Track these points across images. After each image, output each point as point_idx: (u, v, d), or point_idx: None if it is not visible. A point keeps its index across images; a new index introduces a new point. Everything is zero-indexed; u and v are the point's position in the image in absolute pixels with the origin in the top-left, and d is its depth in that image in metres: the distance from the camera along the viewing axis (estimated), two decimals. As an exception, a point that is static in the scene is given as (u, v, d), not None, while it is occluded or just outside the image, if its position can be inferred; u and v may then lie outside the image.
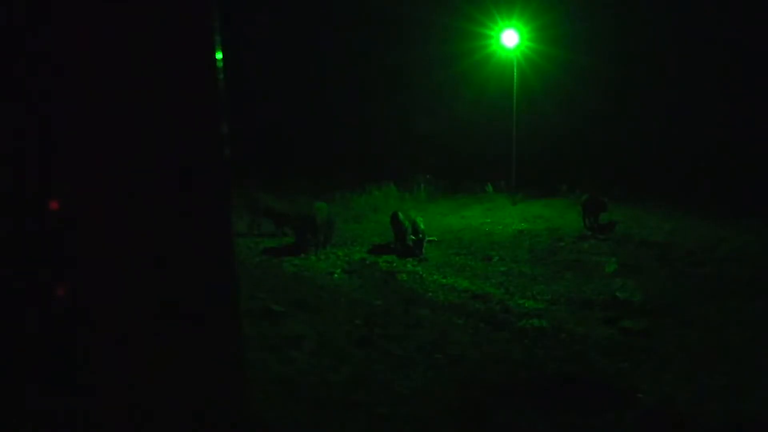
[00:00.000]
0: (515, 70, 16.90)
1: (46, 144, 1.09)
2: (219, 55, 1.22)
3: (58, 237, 1.10)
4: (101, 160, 1.12)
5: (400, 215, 11.46)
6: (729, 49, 17.91)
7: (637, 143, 18.59)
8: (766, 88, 16.85)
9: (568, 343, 6.85)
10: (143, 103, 1.15)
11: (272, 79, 22.07)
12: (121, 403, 1.17)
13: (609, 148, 18.30)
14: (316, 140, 21.13)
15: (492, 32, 17.31)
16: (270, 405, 4.87)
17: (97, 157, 1.12)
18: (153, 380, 1.19)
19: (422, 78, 21.27)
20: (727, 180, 15.54)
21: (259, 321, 7.00)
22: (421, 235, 11.09)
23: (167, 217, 1.19)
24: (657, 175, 16.90)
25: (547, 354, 6.54)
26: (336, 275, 9.84)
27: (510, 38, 16.75)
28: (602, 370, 6.07)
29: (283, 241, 11.75)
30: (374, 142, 20.75)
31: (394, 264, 10.55)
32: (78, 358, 1.12)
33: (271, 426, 4.60)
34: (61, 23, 1.08)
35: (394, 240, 11.40)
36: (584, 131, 18.70)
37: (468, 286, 9.33)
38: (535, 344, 6.84)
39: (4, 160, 1.07)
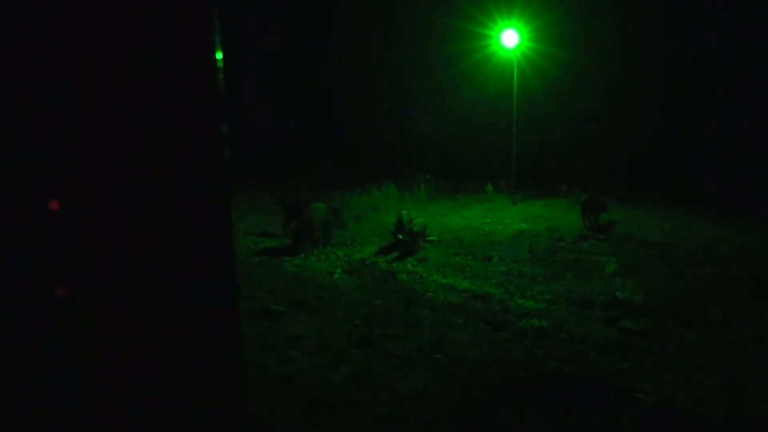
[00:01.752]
0: (515, 70, 16.89)
1: (46, 144, 1.09)
2: (219, 55, 1.22)
3: (57, 237, 1.10)
4: (100, 160, 1.12)
5: (404, 215, 11.61)
6: (729, 48, 17.91)
7: (637, 143, 18.59)
8: (765, 87, 16.85)
9: (568, 343, 6.85)
10: (143, 102, 1.15)
11: (272, 79, 22.08)
12: (121, 404, 1.17)
13: (609, 148, 18.30)
14: (316, 140, 21.15)
15: (492, 32, 17.31)
16: (270, 405, 4.87)
17: (96, 157, 1.12)
18: (152, 380, 1.19)
19: (422, 78, 21.28)
20: (727, 180, 15.54)
21: (259, 321, 7.00)
22: (410, 236, 11.14)
23: (166, 217, 1.19)
24: (657, 175, 16.91)
25: (547, 354, 6.54)
26: (336, 275, 9.84)
27: (510, 38, 16.74)
28: (602, 370, 6.07)
29: (283, 241, 11.76)
30: (374, 142, 20.75)
31: (394, 264, 10.55)
32: (77, 358, 1.13)
33: (271, 426, 4.60)
34: (60, 23, 1.08)
35: (394, 239, 11.49)
36: (584, 131, 18.70)
37: (468, 286, 9.33)
38: (535, 344, 6.84)
39: (4, 159, 1.07)
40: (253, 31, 20.54)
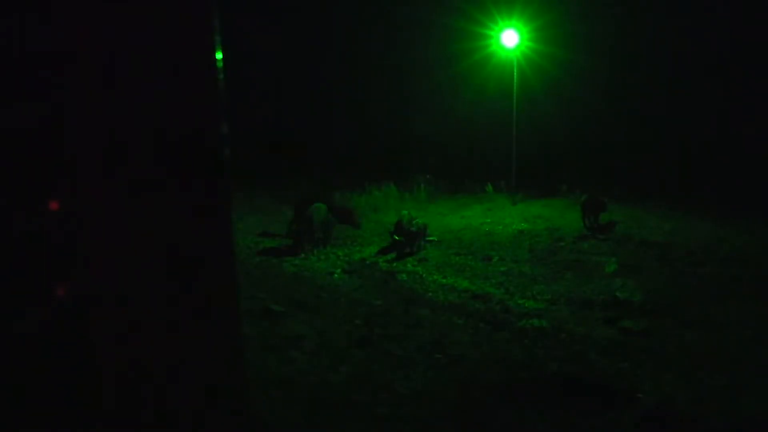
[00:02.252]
0: (515, 70, 16.89)
1: (46, 144, 1.09)
2: (219, 55, 1.22)
3: (57, 237, 1.10)
4: (101, 160, 1.12)
5: (404, 216, 11.60)
6: (728, 48, 17.91)
7: (637, 143, 18.60)
8: (765, 87, 16.85)
9: (568, 343, 6.85)
10: (143, 102, 1.15)
11: (272, 79, 22.08)
12: (121, 404, 1.17)
13: (609, 148, 18.30)
14: (316, 140, 21.15)
15: (492, 32, 17.31)
16: (270, 405, 4.87)
17: (97, 157, 1.12)
18: (152, 380, 1.19)
19: (422, 78, 21.28)
20: (727, 180, 15.54)
21: (259, 321, 7.00)
22: (408, 236, 11.14)
23: (167, 217, 1.19)
24: (657, 175, 16.91)
25: (547, 354, 6.54)
26: (336, 275, 9.84)
27: (510, 38, 16.74)
28: (602, 370, 6.07)
29: (283, 241, 11.76)
30: (374, 142, 20.75)
31: (394, 264, 10.55)
32: (78, 358, 1.13)
33: (271, 426, 4.60)
34: (61, 23, 1.08)
35: (392, 239, 11.48)
36: (584, 131, 18.70)
37: (468, 286, 9.33)
38: (535, 344, 6.84)
39: (4, 159, 1.07)
40: (253, 31, 20.54)
